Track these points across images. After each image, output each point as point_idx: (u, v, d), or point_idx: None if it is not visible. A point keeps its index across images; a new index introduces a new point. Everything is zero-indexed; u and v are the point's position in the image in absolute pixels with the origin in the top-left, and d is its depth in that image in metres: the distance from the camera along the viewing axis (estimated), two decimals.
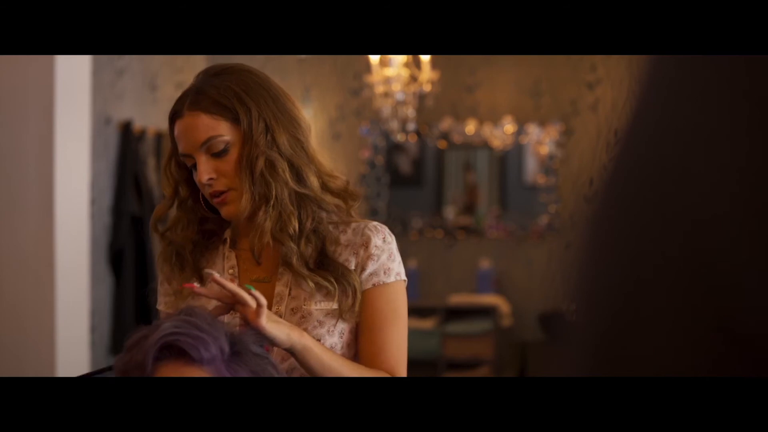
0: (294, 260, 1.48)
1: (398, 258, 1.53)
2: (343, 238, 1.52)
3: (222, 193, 1.48)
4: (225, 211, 1.50)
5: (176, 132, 1.50)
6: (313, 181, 1.50)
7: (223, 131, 1.47)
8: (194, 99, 1.48)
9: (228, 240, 1.57)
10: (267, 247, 1.52)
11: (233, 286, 1.36)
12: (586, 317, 0.32)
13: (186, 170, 1.55)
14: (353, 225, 1.53)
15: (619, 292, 0.31)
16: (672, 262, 0.29)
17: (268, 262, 1.54)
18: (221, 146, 1.47)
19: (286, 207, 1.48)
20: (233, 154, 1.48)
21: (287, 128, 1.50)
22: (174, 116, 1.51)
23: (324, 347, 1.44)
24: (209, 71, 1.53)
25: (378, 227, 1.53)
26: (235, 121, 1.48)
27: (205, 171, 1.47)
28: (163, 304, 1.61)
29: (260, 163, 1.46)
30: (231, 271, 1.54)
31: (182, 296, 1.55)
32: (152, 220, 1.60)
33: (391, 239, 1.53)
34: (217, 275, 1.39)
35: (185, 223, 1.56)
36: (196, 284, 1.44)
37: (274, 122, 1.48)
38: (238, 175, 1.48)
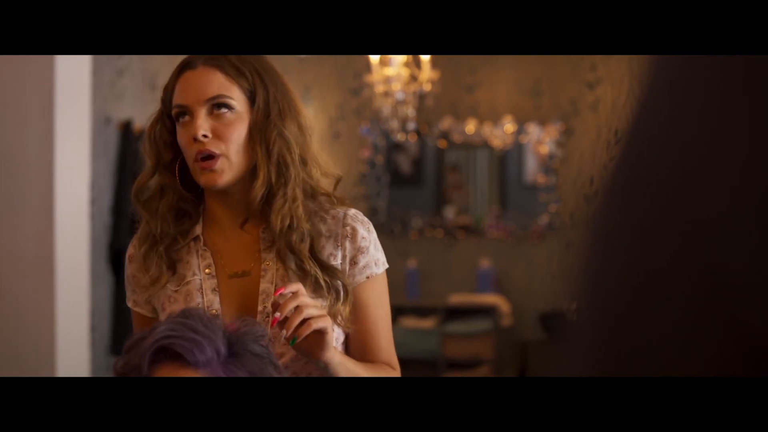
0: (303, 248, 1.43)
1: (379, 245, 1.51)
2: (323, 228, 1.47)
3: (212, 157, 1.42)
4: (207, 178, 1.43)
5: (182, 83, 1.45)
6: (315, 173, 1.49)
7: (235, 96, 1.43)
8: (212, 57, 1.44)
9: (201, 237, 1.51)
10: (244, 239, 1.49)
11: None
12: (588, 316, 0.32)
13: (172, 135, 1.49)
14: (332, 212, 1.49)
15: (623, 290, 0.31)
16: (676, 261, 0.29)
17: (245, 254, 1.49)
18: (225, 108, 1.42)
19: (298, 193, 1.45)
20: (236, 124, 1.43)
21: (296, 118, 1.47)
22: (185, 67, 1.45)
23: (348, 357, 1.44)
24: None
25: (359, 216, 1.50)
26: (247, 93, 1.44)
27: (201, 127, 1.41)
28: (132, 301, 1.55)
29: (278, 144, 1.43)
30: (208, 270, 1.48)
31: (153, 290, 1.49)
32: (134, 190, 1.53)
33: (371, 227, 1.51)
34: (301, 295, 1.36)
35: (167, 189, 1.49)
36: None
37: (286, 108, 1.46)
38: (244, 148, 1.43)
